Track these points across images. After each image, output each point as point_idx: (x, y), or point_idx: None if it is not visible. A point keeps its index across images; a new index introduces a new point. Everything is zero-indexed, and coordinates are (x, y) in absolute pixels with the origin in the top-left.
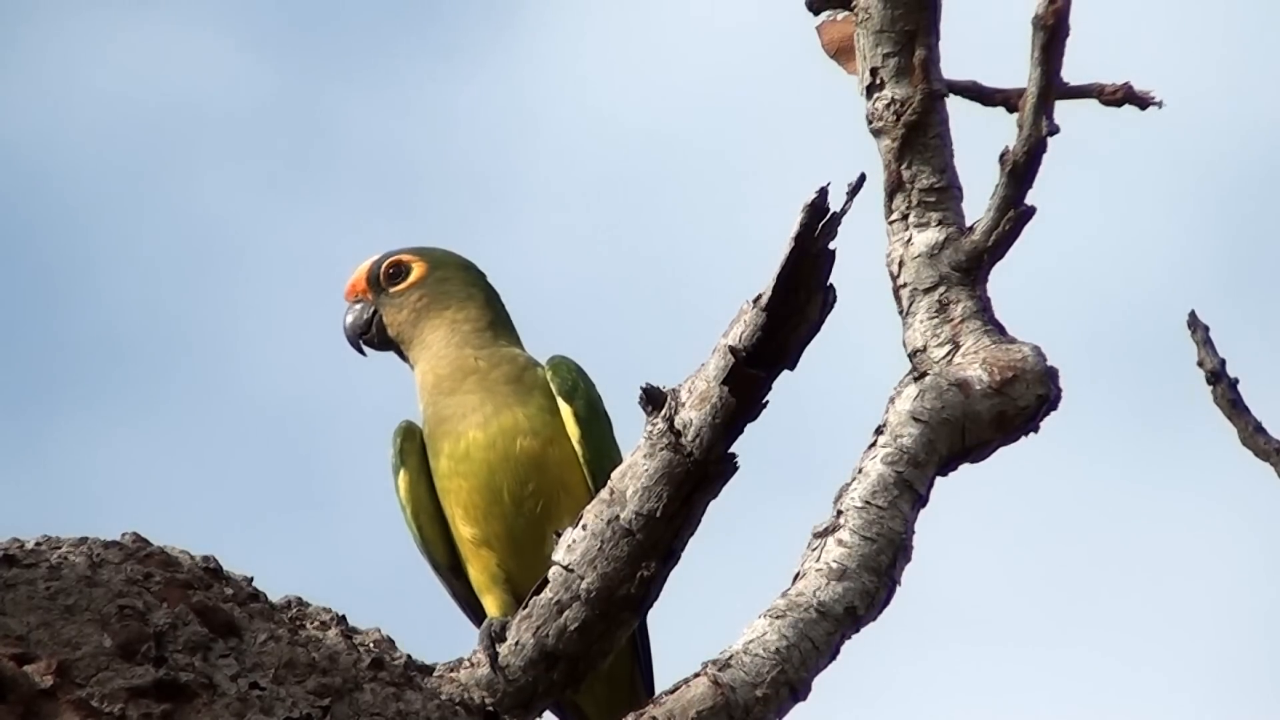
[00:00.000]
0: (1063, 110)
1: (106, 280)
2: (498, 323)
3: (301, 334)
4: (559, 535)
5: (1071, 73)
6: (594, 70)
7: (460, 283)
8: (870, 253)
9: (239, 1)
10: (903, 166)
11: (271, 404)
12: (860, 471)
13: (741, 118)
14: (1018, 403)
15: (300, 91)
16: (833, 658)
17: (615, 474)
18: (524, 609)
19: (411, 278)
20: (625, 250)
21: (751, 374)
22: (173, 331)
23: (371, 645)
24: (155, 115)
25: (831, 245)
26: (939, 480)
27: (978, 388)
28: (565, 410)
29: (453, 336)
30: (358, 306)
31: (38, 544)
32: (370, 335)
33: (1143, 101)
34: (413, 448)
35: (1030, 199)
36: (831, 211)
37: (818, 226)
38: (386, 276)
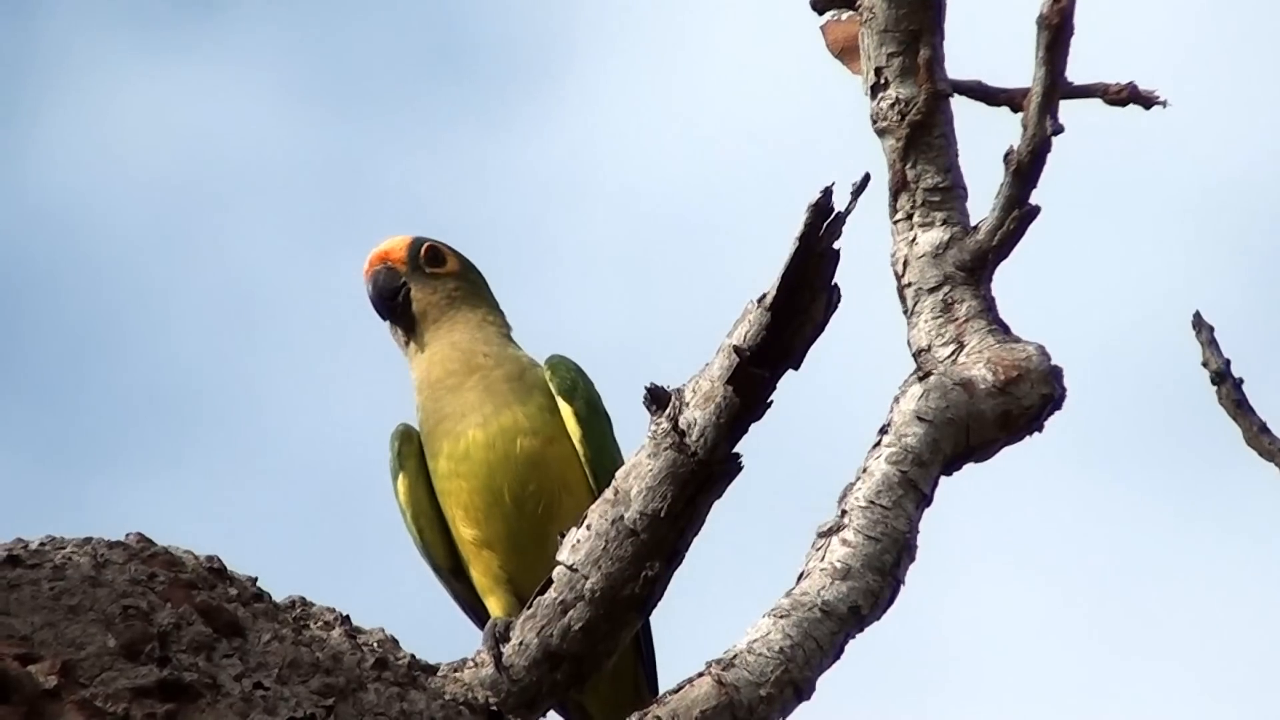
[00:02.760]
0: (1067, 110)
1: (143, 335)
2: (511, 334)
3: (338, 388)
4: (563, 535)
5: (1076, 72)
6: (631, 128)
7: (487, 290)
8: (875, 252)
9: (277, 55)
10: (907, 166)
11: (308, 460)
12: (865, 471)
13: (776, 167)
14: (1022, 402)
15: (338, 147)
16: (837, 657)
17: (619, 474)
18: (528, 609)
19: (448, 267)
20: (657, 310)
21: (756, 374)
22: (209, 387)
23: (375, 645)
24: (191, 169)
25: (836, 245)
26: (943, 479)
27: (982, 387)
28: (565, 409)
29: (478, 333)
30: (390, 271)
31: (42, 544)
32: (396, 303)
33: (1147, 101)
34: (411, 450)
35: (1035, 198)
36: (836, 211)
37: (822, 226)
38: (427, 257)
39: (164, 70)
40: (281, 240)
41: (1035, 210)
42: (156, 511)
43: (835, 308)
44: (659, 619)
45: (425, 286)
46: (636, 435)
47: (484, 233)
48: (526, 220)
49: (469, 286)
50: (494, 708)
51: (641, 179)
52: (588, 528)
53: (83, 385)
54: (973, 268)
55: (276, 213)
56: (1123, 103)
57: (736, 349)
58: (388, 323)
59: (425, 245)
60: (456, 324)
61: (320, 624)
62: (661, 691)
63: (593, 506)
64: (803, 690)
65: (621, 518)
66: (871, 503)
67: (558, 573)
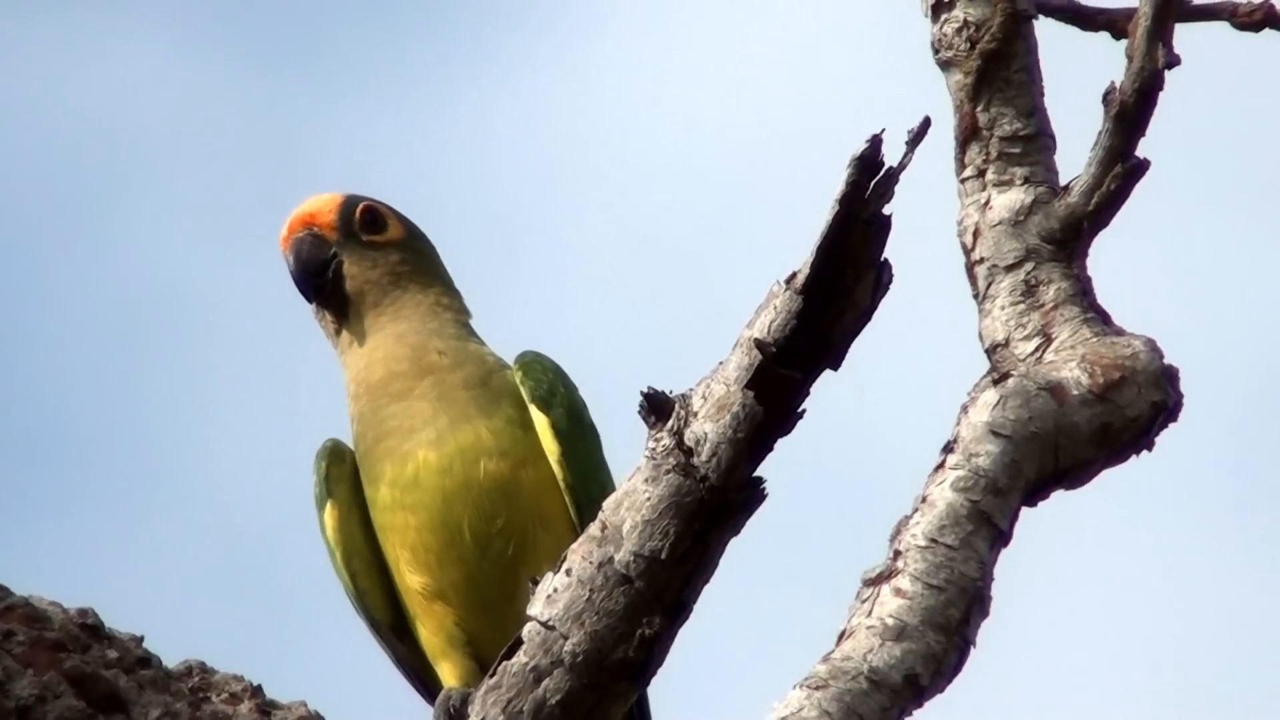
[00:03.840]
0: (1183, 36)
1: (12, 348)
2: (470, 323)
3: (271, 416)
4: (536, 583)
5: None
6: (641, 71)
7: (440, 265)
8: (938, 219)
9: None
10: (979, 108)
11: (214, 495)
12: (924, 500)
13: (814, 111)
14: (1126, 412)
15: (264, 105)
16: None
17: (608, 504)
18: (491, 677)
19: (390, 234)
20: (660, 298)
21: (783, 375)
22: (96, 404)
23: None
24: (75, 139)
25: (886, 210)
26: (1025, 511)
27: (1075, 393)
28: (540, 421)
29: (430, 322)
30: (316, 239)
31: None
32: (324, 280)
33: None
34: (342, 473)
35: (1142, 150)
36: (887, 166)
37: (869, 186)
38: (363, 221)
39: (39, 17)
40: (192, 226)
41: (1143, 165)
42: (23, 556)
43: (885, 290)
44: (659, 690)
45: (362, 259)
46: (631, 455)
47: (451, 205)
48: (504, 191)
49: (417, 260)
50: None
51: (647, 136)
52: (568, 573)
53: None
54: (1063, 239)
55: (185, 192)
56: (1256, 26)
57: (759, 343)
58: (313, 306)
59: (361, 206)
60: (402, 309)
61: (224, 696)
62: None
63: (573, 546)
64: None
65: (611, 560)
66: (933, 541)
67: (529, 631)
